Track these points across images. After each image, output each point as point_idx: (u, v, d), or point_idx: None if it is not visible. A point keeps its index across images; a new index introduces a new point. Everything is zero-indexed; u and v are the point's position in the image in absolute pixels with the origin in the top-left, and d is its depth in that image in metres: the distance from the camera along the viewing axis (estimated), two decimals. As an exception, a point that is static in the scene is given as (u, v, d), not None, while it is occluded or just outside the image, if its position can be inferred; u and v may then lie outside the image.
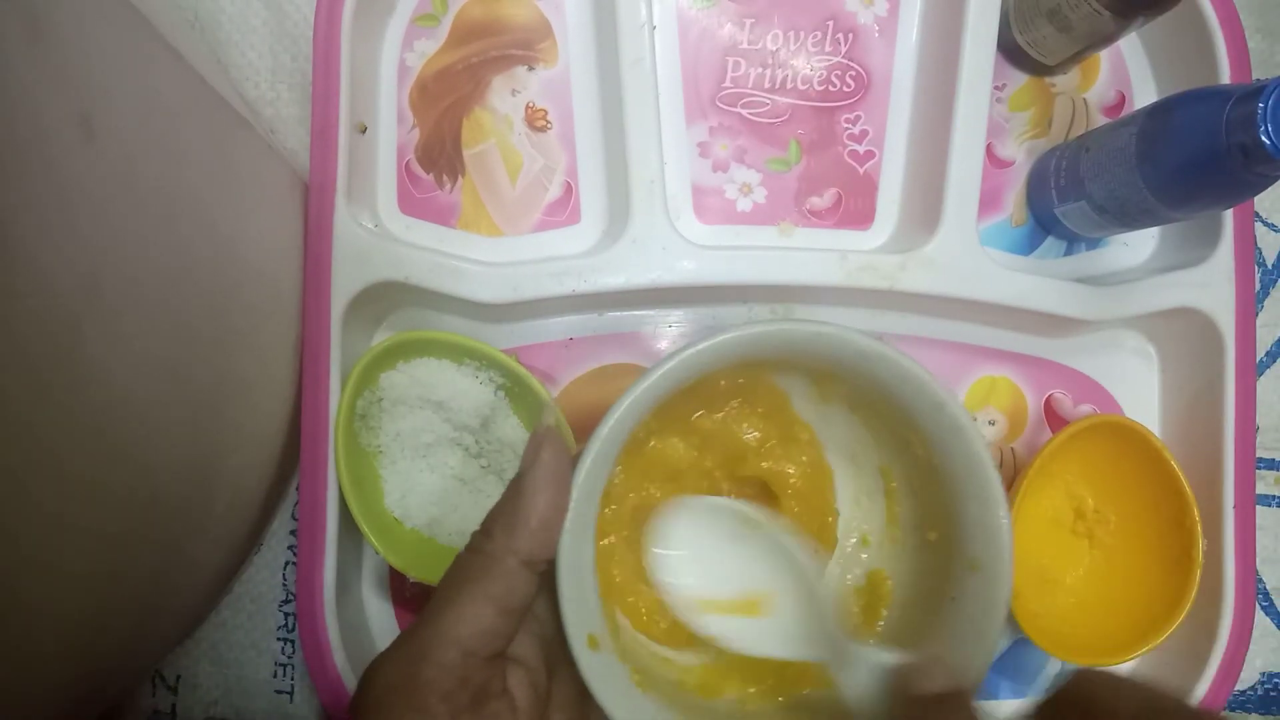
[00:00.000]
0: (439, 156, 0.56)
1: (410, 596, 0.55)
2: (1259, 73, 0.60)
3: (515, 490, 0.37)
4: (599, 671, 0.37)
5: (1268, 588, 0.60)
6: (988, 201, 0.58)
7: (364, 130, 0.54)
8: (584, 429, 0.56)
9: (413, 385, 0.52)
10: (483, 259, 0.54)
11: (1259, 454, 0.58)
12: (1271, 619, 0.60)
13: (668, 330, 0.57)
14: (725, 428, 0.48)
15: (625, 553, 0.47)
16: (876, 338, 0.40)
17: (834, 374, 0.44)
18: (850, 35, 0.59)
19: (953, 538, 0.42)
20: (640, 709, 0.39)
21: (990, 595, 0.40)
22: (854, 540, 0.49)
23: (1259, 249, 0.61)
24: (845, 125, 0.59)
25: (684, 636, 0.46)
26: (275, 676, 0.55)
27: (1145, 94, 0.61)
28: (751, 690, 0.45)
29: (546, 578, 0.38)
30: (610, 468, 0.41)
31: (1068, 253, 0.60)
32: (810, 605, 0.41)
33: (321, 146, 0.51)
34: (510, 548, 0.35)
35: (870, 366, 0.41)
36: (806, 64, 0.58)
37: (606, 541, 0.47)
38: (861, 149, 0.59)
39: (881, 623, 0.46)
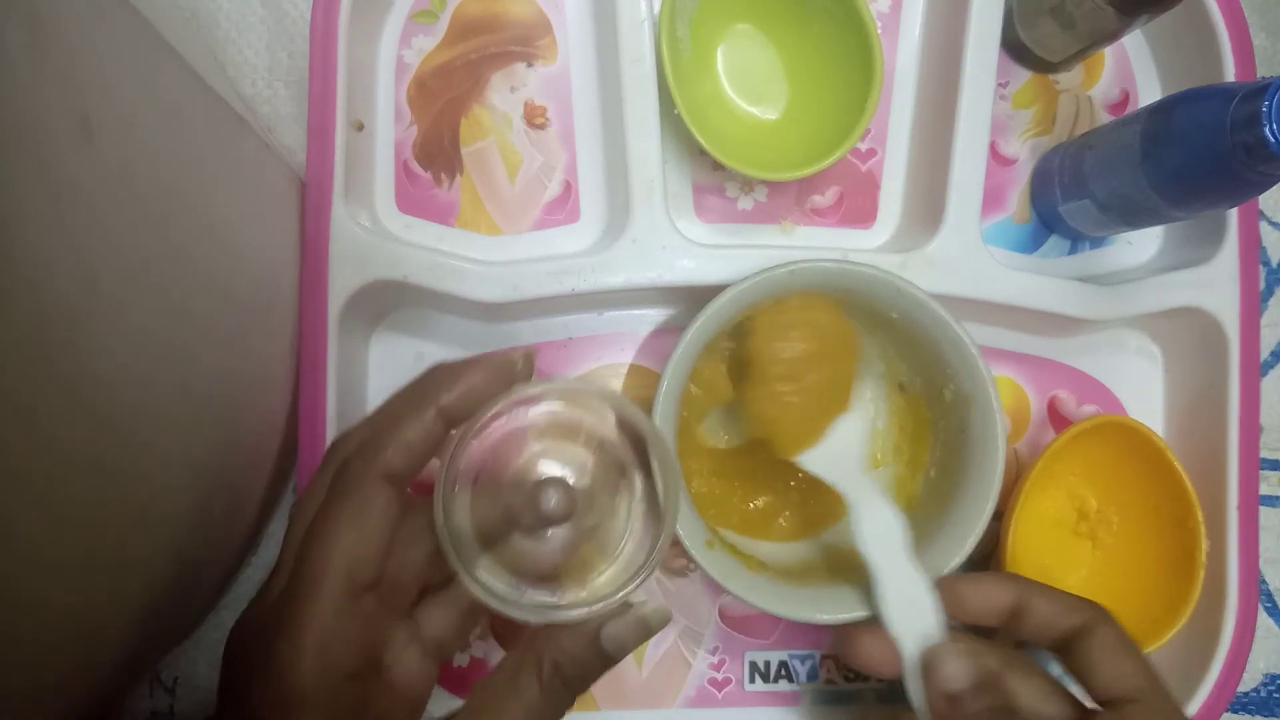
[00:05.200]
0: (437, 154, 0.56)
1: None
2: (1263, 71, 0.60)
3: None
4: (719, 566, 0.48)
5: (1271, 589, 0.60)
6: (991, 200, 0.58)
7: (361, 128, 0.54)
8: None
9: None
10: (481, 258, 0.53)
11: (1263, 454, 0.58)
12: (1274, 620, 0.60)
13: (668, 330, 0.57)
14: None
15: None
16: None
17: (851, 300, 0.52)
18: (852, 32, 0.58)
19: (952, 386, 0.51)
20: (759, 586, 0.49)
21: (987, 418, 0.50)
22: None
23: (1263, 248, 0.61)
24: (847, 123, 0.58)
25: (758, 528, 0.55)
26: (273, 678, 0.55)
27: (1149, 92, 0.61)
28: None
29: None
30: (681, 390, 0.50)
31: (1071, 251, 0.60)
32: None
33: (319, 144, 0.51)
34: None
35: (854, 285, 0.50)
36: (808, 61, 0.58)
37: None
38: (864, 147, 0.58)
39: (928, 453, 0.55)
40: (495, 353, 0.39)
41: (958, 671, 0.42)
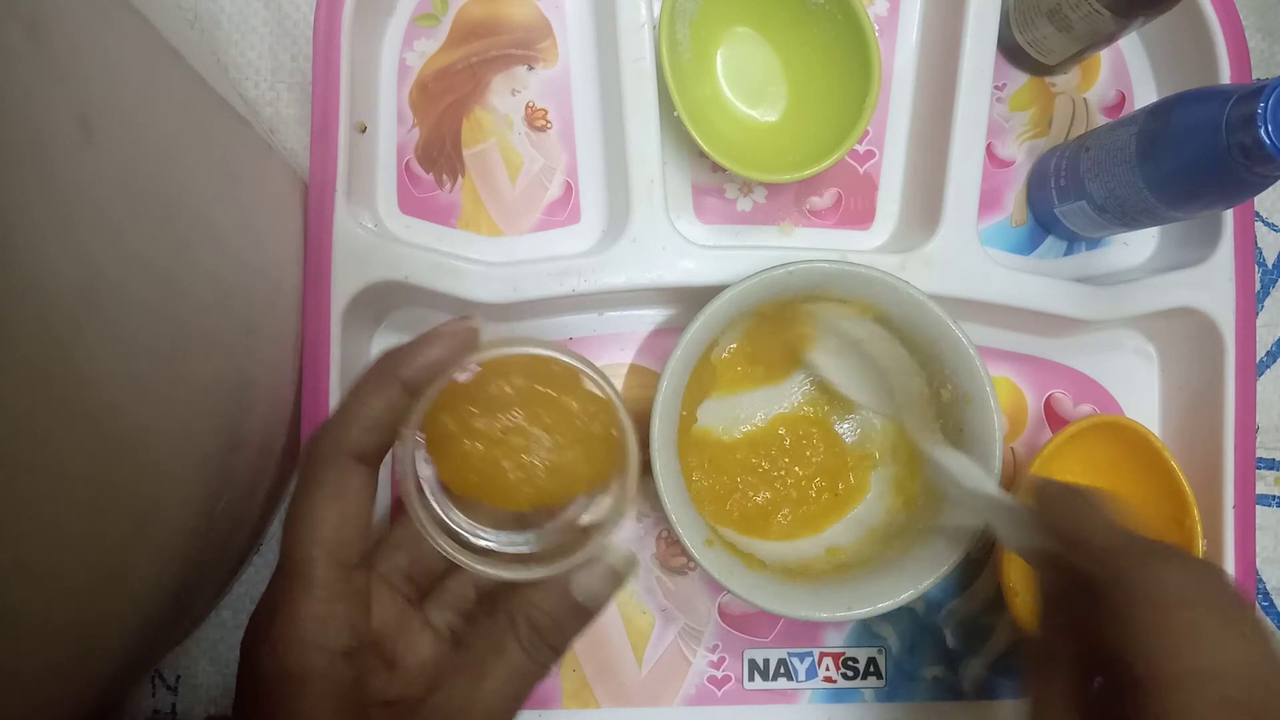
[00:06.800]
0: (439, 156, 0.56)
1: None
2: (1259, 72, 0.60)
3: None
4: (718, 564, 0.48)
5: (1268, 588, 0.60)
6: (988, 201, 0.58)
7: (364, 130, 0.54)
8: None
9: None
10: (483, 258, 0.54)
11: (1259, 454, 0.58)
12: (1271, 619, 0.60)
13: (668, 330, 0.57)
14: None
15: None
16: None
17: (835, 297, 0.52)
18: (850, 35, 0.59)
19: (950, 386, 0.52)
20: (758, 584, 0.49)
21: (985, 417, 0.50)
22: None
23: (1259, 249, 0.61)
24: (845, 125, 0.59)
25: (756, 526, 0.55)
26: (275, 676, 0.55)
27: (1145, 94, 0.61)
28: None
29: None
30: (682, 389, 0.50)
31: (1068, 252, 0.60)
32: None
33: (321, 146, 0.51)
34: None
35: (852, 286, 0.51)
36: (806, 63, 0.58)
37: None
38: (861, 149, 0.59)
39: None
40: (450, 322, 0.39)
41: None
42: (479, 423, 0.38)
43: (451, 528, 0.39)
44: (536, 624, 0.38)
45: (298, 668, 0.34)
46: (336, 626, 0.35)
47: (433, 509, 0.39)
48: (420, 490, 0.39)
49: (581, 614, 0.39)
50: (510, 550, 0.40)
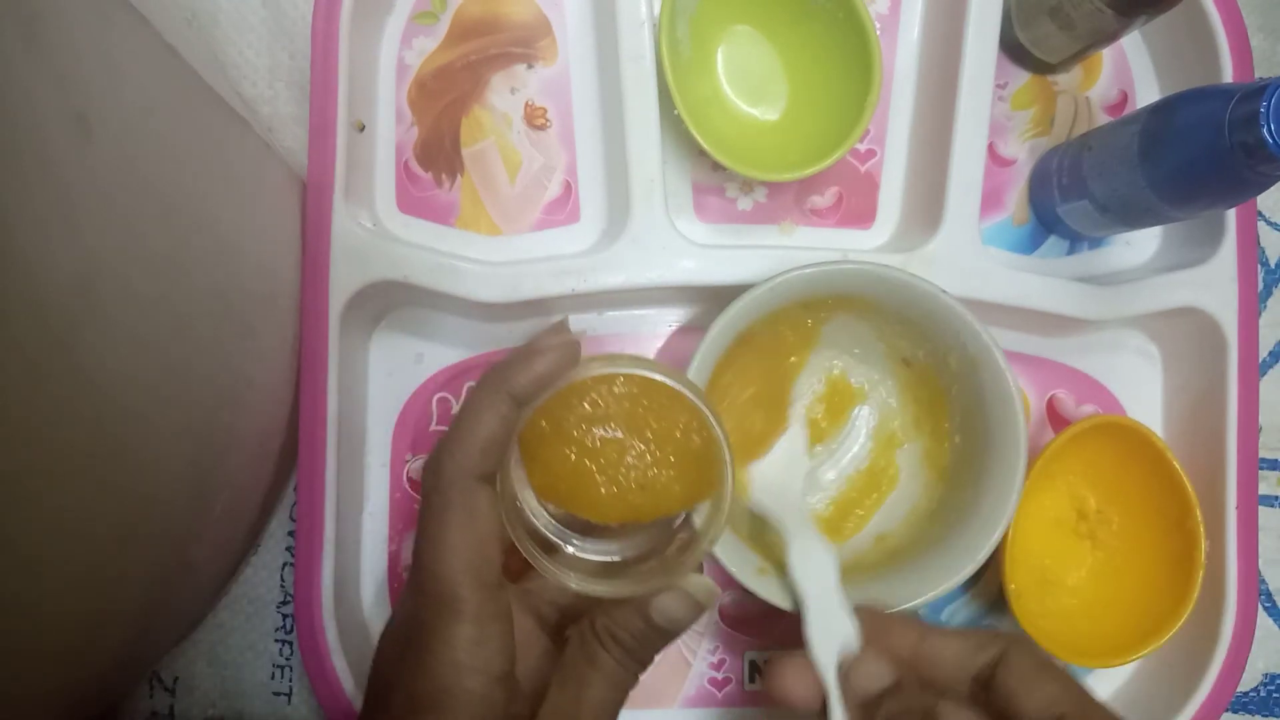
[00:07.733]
0: (438, 155, 0.56)
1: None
2: (1261, 71, 0.60)
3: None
4: (777, 593, 0.47)
5: (1270, 589, 0.60)
6: (990, 200, 0.58)
7: (362, 128, 0.54)
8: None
9: None
10: (482, 258, 0.53)
11: (1262, 454, 0.58)
12: (1274, 620, 0.60)
13: (668, 330, 0.57)
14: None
15: None
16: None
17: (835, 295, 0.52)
18: (851, 33, 0.58)
19: (956, 352, 0.51)
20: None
21: (998, 374, 0.49)
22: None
23: (1262, 248, 0.61)
24: (846, 124, 0.58)
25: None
26: (273, 678, 0.55)
27: (1148, 93, 0.61)
28: None
29: None
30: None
31: (1070, 252, 0.60)
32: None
33: (319, 145, 0.51)
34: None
35: (853, 282, 0.50)
36: (807, 62, 0.58)
37: None
38: (863, 148, 0.58)
39: (949, 421, 0.55)
40: (548, 334, 0.39)
41: (875, 669, 0.41)
42: (575, 433, 0.38)
43: (540, 531, 0.40)
44: (618, 639, 0.39)
45: (454, 690, 0.35)
46: (493, 649, 0.36)
47: (523, 513, 0.39)
48: (514, 495, 0.39)
49: (663, 634, 0.39)
50: (595, 559, 0.41)
